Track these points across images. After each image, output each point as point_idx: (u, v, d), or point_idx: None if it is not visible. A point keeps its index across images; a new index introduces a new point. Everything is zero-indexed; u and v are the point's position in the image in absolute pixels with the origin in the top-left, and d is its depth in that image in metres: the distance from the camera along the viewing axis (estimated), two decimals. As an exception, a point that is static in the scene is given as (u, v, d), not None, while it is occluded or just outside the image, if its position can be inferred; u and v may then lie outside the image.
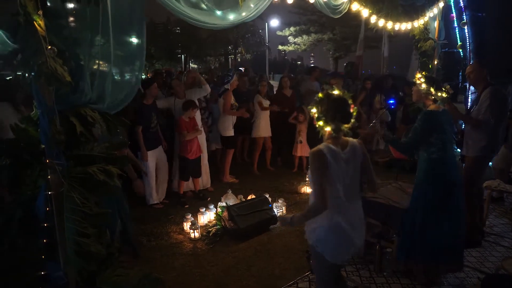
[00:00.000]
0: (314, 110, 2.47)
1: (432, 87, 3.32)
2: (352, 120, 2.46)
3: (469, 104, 6.06)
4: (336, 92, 2.47)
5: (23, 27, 1.73)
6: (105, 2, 2.14)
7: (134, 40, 2.57)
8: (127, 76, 2.59)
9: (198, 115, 5.76)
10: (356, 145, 2.45)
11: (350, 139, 2.47)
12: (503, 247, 4.19)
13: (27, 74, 1.86)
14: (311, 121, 6.77)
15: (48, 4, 1.93)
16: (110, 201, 3.54)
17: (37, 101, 1.93)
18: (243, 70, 10.77)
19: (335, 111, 2.39)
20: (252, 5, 3.73)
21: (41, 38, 1.74)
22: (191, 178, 5.67)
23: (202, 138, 5.85)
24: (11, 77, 3.10)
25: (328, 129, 2.42)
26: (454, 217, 3.31)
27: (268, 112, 6.91)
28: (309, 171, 2.45)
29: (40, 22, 1.75)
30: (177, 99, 5.66)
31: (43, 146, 1.98)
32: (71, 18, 2.15)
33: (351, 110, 2.45)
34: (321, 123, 2.44)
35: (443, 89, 3.37)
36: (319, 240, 2.44)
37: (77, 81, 2.07)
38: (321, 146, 2.36)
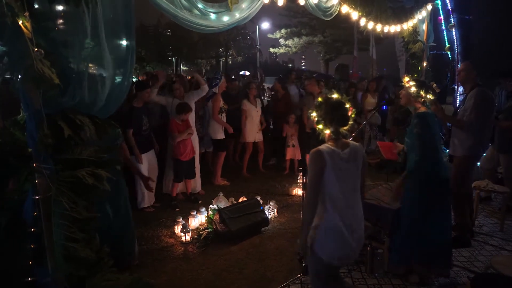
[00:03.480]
0: (314, 114, 2.56)
1: (422, 90, 3.37)
2: (350, 122, 2.52)
3: (457, 105, 6.15)
4: (334, 96, 2.55)
5: (9, 29, 1.70)
6: (95, 4, 2.12)
7: (124, 42, 2.55)
8: (117, 79, 2.56)
9: (192, 117, 5.76)
10: (358, 147, 2.50)
11: (351, 141, 2.54)
12: (492, 246, 4.23)
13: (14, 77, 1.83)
14: (302, 124, 6.86)
15: (36, 6, 1.90)
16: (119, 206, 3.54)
17: (24, 104, 1.90)
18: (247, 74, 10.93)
19: (332, 114, 2.47)
20: (244, 6, 3.75)
21: (27, 40, 1.72)
22: (184, 180, 5.65)
23: (195, 140, 5.84)
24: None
25: (327, 132, 2.50)
26: (444, 217, 3.35)
27: (257, 118, 6.89)
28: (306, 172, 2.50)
29: (26, 24, 1.73)
30: (175, 99, 5.63)
31: (30, 149, 1.95)
32: (60, 21, 2.12)
33: (349, 113, 2.52)
34: (320, 126, 2.52)
35: (430, 90, 3.43)
36: (316, 240, 2.44)
37: (66, 84, 2.04)
38: (321, 146, 2.43)
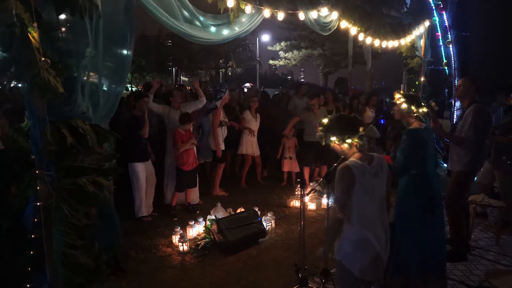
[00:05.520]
0: (333, 138, 2.46)
1: (413, 105, 3.38)
2: (363, 132, 2.46)
3: (455, 120, 6.21)
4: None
5: (18, 38, 1.75)
6: (98, 16, 2.18)
7: (124, 52, 2.62)
8: (117, 88, 2.62)
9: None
10: (382, 159, 2.50)
11: (375, 154, 2.53)
12: (487, 260, 4.25)
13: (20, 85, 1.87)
14: (300, 137, 6.89)
15: (43, 16, 1.96)
16: (104, 215, 3.52)
17: (29, 111, 1.94)
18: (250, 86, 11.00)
19: (354, 127, 2.43)
20: (244, 20, 3.81)
21: (35, 50, 1.77)
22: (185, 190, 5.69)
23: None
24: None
25: (353, 146, 2.44)
26: (437, 231, 3.38)
27: (254, 130, 6.87)
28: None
29: (34, 34, 1.78)
30: (172, 109, 5.69)
31: (33, 156, 1.99)
32: (65, 31, 2.18)
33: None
34: (346, 145, 2.44)
35: (426, 104, 3.45)
36: (346, 255, 2.41)
37: (70, 93, 2.09)
38: (347, 162, 2.40)
